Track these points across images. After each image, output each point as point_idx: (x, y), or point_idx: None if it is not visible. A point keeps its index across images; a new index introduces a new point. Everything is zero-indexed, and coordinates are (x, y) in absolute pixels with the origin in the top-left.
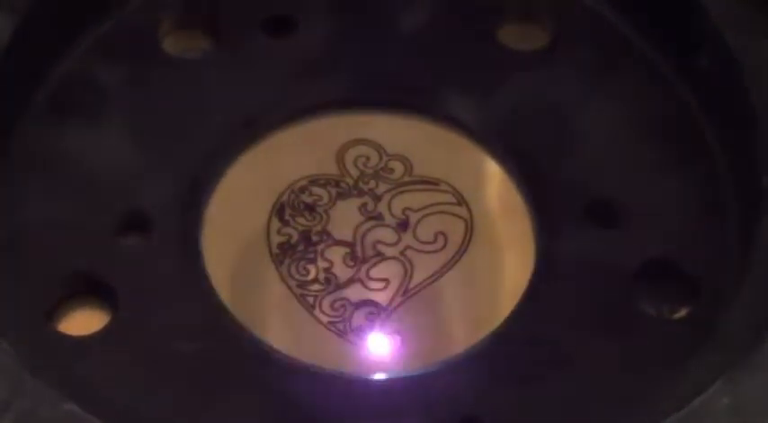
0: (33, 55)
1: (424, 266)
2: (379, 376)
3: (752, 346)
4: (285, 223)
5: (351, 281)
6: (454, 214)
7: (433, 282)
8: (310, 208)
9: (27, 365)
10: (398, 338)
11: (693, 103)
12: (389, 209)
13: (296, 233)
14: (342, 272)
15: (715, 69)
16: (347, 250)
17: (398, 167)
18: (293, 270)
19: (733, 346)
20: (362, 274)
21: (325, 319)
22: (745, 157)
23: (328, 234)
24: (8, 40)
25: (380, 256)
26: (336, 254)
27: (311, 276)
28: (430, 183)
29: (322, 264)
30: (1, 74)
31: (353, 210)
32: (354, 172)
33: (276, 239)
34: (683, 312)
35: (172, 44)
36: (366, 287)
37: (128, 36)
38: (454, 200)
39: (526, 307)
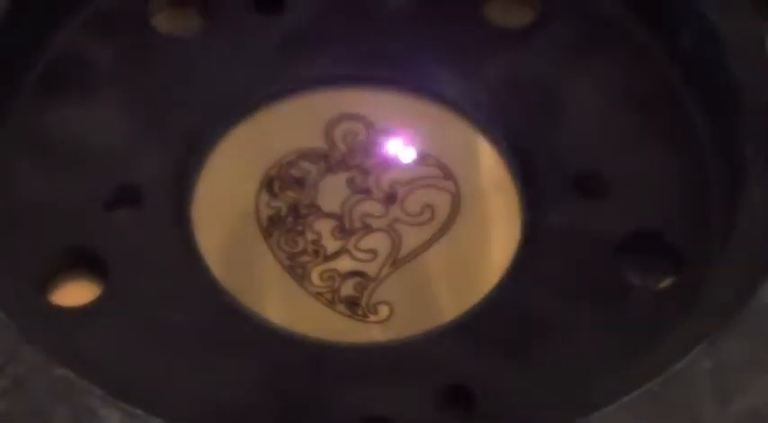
0: (26, 32)
1: (412, 238)
2: (368, 345)
3: (734, 312)
4: (274, 196)
5: (339, 252)
6: (441, 188)
7: (420, 253)
8: (299, 182)
9: (21, 333)
10: (387, 308)
11: (677, 77)
12: (377, 183)
13: (285, 206)
14: (330, 244)
15: (698, 45)
16: (335, 223)
17: (386, 142)
18: (282, 242)
19: (716, 313)
20: (351, 246)
21: (314, 289)
22: (728, 130)
23: (317, 207)
24: (1, 16)
25: (368, 229)
26: (325, 226)
27: (300, 248)
28: (417, 157)
29: (311, 236)
30: None
31: (341, 183)
32: (342, 147)
33: (265, 212)
34: (667, 282)
35: (162, 22)
36: (354, 258)
37: (119, 14)
38: (441, 174)
39: (513, 278)
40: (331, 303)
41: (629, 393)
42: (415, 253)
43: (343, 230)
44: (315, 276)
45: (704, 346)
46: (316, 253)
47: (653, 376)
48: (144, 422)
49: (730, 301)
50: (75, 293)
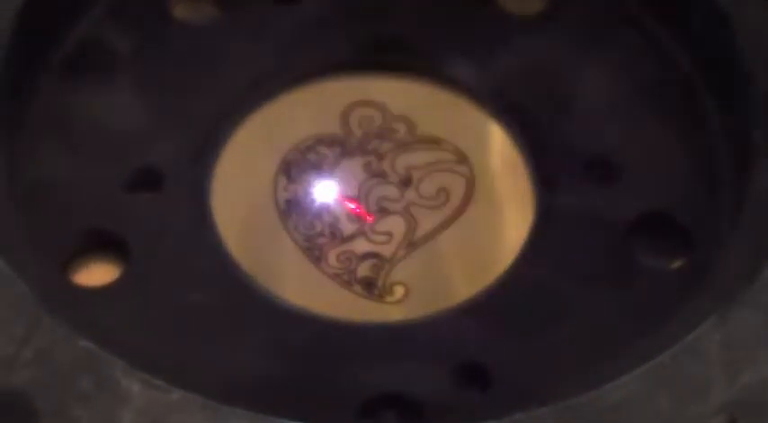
0: (48, 19)
1: (427, 221)
2: (384, 325)
3: (742, 288)
4: (291, 181)
5: (356, 235)
6: (456, 172)
7: (435, 235)
8: (316, 166)
9: (44, 307)
10: (402, 288)
11: (687, 63)
12: (393, 167)
13: (302, 190)
14: (347, 226)
15: (708, 30)
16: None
17: (401, 127)
18: (300, 225)
19: (725, 290)
20: (367, 228)
21: (330, 270)
22: (737, 113)
23: (334, 191)
24: (23, 4)
25: (384, 212)
26: (342, 209)
27: (317, 231)
28: (432, 142)
29: (327, 219)
30: (17, 37)
31: (358, 168)
32: (359, 132)
33: (283, 196)
34: (678, 263)
35: (181, 10)
36: (370, 240)
37: (139, 2)
38: (455, 158)
39: (526, 259)
40: (348, 284)
41: (642, 365)
42: (431, 235)
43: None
44: (332, 258)
45: (714, 320)
46: (333, 235)
47: (664, 349)
48: (164, 392)
49: (740, 279)
50: (97, 274)
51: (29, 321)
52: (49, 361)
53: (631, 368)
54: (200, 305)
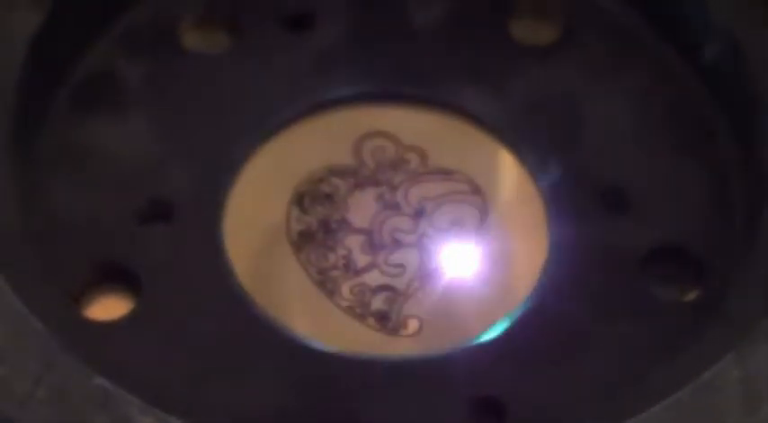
0: (58, 49)
1: (441, 253)
2: (399, 359)
3: (759, 322)
4: (304, 212)
5: (369, 267)
6: (469, 203)
7: (449, 267)
8: (329, 197)
9: (57, 344)
10: (416, 322)
11: (700, 92)
12: (406, 198)
13: (315, 221)
14: (360, 258)
15: (721, 60)
16: (365, 238)
17: (414, 158)
18: (313, 257)
19: (741, 323)
20: (380, 261)
21: (344, 303)
22: (751, 143)
23: (347, 222)
24: (34, 36)
25: (398, 244)
26: (355, 241)
27: (330, 263)
28: (445, 173)
29: (341, 251)
30: (28, 68)
31: (371, 199)
32: (371, 163)
33: (296, 227)
34: (692, 295)
35: (193, 40)
36: (384, 273)
37: (150, 32)
38: (468, 189)
39: (540, 291)
40: (361, 317)
41: (658, 403)
42: (444, 267)
43: (373, 245)
44: (345, 290)
45: (732, 355)
46: (346, 267)
47: (681, 385)
48: None
49: (756, 311)
50: (109, 307)
51: (43, 359)
52: (64, 400)
53: (648, 405)
54: (212, 338)
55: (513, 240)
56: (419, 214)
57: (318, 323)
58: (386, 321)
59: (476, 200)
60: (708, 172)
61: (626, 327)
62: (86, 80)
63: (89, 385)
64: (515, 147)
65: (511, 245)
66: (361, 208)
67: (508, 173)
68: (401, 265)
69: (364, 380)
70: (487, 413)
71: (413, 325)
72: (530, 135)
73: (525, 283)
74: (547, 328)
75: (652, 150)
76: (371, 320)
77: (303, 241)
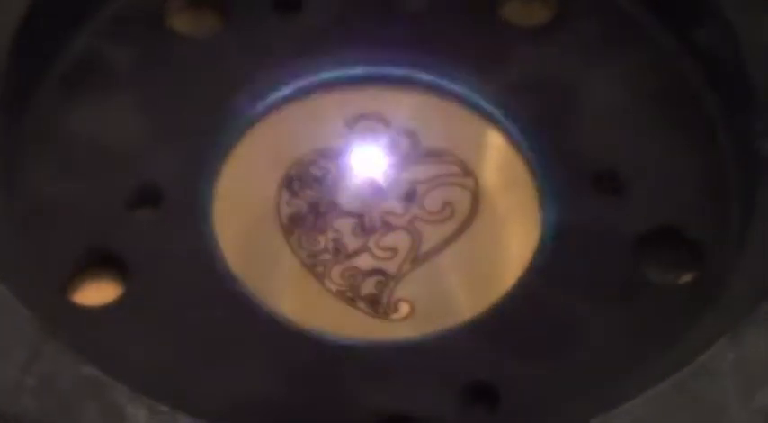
0: (45, 34)
1: (432, 236)
2: (390, 343)
3: (755, 305)
4: (294, 195)
5: (359, 250)
6: (460, 185)
7: (440, 251)
8: (319, 180)
9: (45, 331)
10: (407, 306)
11: (694, 74)
12: (397, 181)
13: (305, 205)
14: (351, 242)
15: (714, 42)
16: (355, 221)
17: (404, 141)
18: (303, 240)
19: (737, 307)
20: (371, 244)
21: (335, 287)
22: (745, 126)
23: (337, 205)
24: (20, 20)
25: (388, 227)
26: (345, 225)
27: (321, 247)
28: (436, 155)
29: (331, 234)
30: (15, 52)
31: (361, 182)
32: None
33: (286, 211)
34: (687, 278)
35: (180, 22)
36: (375, 256)
37: (137, 15)
38: (460, 171)
39: (533, 275)
40: (352, 301)
41: (653, 387)
42: (435, 251)
43: (364, 229)
44: (335, 274)
45: (727, 339)
46: (336, 251)
47: (677, 369)
48: (169, 418)
49: (752, 294)
50: (97, 293)
51: (31, 347)
52: (53, 388)
53: (643, 389)
54: (201, 324)
55: (504, 223)
56: (410, 197)
57: (309, 307)
58: (377, 305)
59: (467, 182)
60: (703, 153)
61: (620, 310)
62: (73, 64)
63: (78, 373)
64: (507, 129)
65: (503, 227)
66: (352, 191)
67: (500, 155)
68: (392, 249)
69: (355, 364)
70: (479, 399)
71: (404, 309)
72: (522, 117)
73: (517, 265)
74: (539, 312)
75: (646, 132)
76: (362, 304)
77: (293, 225)
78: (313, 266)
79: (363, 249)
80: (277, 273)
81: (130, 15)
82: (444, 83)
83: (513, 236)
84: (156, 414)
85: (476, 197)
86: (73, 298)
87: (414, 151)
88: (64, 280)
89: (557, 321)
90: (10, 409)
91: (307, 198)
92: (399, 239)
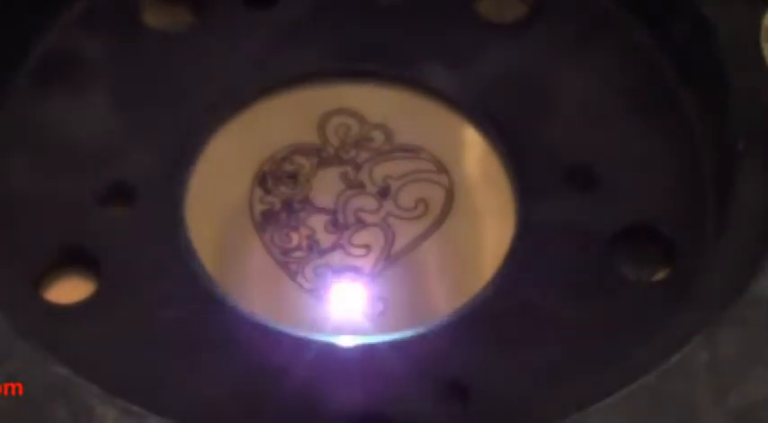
0: (16, 29)
1: (406, 233)
2: (363, 341)
3: (729, 304)
4: (267, 192)
5: (333, 247)
6: (434, 182)
7: (414, 248)
8: (292, 176)
9: (16, 330)
10: (381, 304)
11: (668, 70)
12: (370, 177)
13: (278, 201)
14: (324, 239)
15: (688, 37)
16: (329, 218)
17: (379, 136)
18: (276, 238)
19: (711, 305)
20: (344, 241)
21: (308, 285)
22: (720, 122)
23: (310, 202)
24: None
25: (362, 223)
26: (318, 221)
27: (294, 244)
28: (410, 151)
29: (304, 231)
30: None
31: (335, 178)
32: (335, 141)
33: (259, 208)
34: (661, 274)
35: (153, 17)
36: (348, 253)
37: (110, 10)
38: (434, 167)
39: (507, 272)
40: (325, 299)
41: (626, 387)
42: (409, 248)
43: (337, 225)
44: (308, 272)
45: (700, 339)
46: (309, 248)
47: (649, 369)
48: (140, 419)
49: (725, 293)
50: (69, 291)
51: (1, 345)
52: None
53: (615, 388)
54: (173, 322)
55: (479, 219)
56: (384, 193)
57: (281, 305)
58: (350, 303)
59: (441, 178)
60: (678, 150)
61: (594, 307)
62: (45, 58)
63: (48, 373)
64: (482, 125)
65: (477, 224)
66: (325, 187)
67: (474, 151)
68: (366, 246)
69: (328, 362)
70: (453, 397)
71: (378, 306)
72: (497, 113)
73: (492, 262)
74: (513, 309)
75: (621, 128)
76: (335, 301)
77: (266, 222)
78: (286, 264)
79: (337, 246)
80: (250, 270)
81: (103, 9)
82: (419, 78)
83: (487, 232)
84: (127, 415)
85: (450, 193)
86: (45, 296)
87: (388, 147)
88: (35, 277)
89: (530, 318)
90: None
91: (280, 195)
92: (373, 236)
